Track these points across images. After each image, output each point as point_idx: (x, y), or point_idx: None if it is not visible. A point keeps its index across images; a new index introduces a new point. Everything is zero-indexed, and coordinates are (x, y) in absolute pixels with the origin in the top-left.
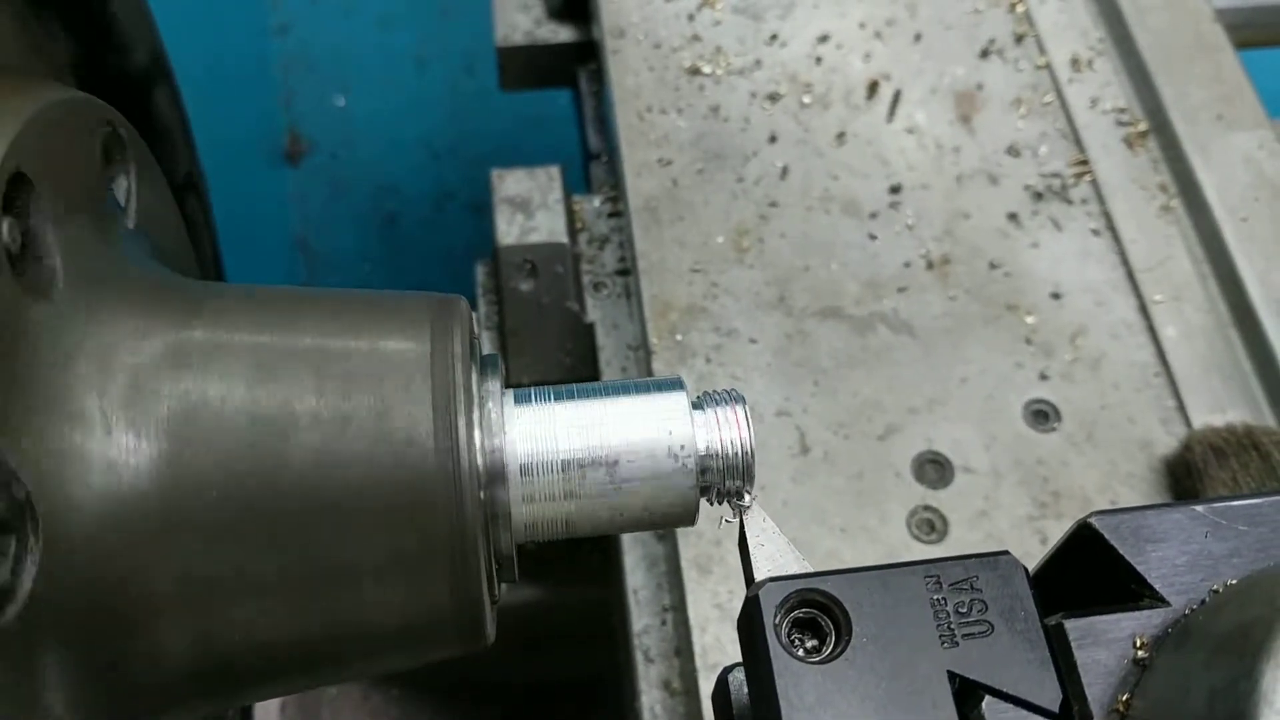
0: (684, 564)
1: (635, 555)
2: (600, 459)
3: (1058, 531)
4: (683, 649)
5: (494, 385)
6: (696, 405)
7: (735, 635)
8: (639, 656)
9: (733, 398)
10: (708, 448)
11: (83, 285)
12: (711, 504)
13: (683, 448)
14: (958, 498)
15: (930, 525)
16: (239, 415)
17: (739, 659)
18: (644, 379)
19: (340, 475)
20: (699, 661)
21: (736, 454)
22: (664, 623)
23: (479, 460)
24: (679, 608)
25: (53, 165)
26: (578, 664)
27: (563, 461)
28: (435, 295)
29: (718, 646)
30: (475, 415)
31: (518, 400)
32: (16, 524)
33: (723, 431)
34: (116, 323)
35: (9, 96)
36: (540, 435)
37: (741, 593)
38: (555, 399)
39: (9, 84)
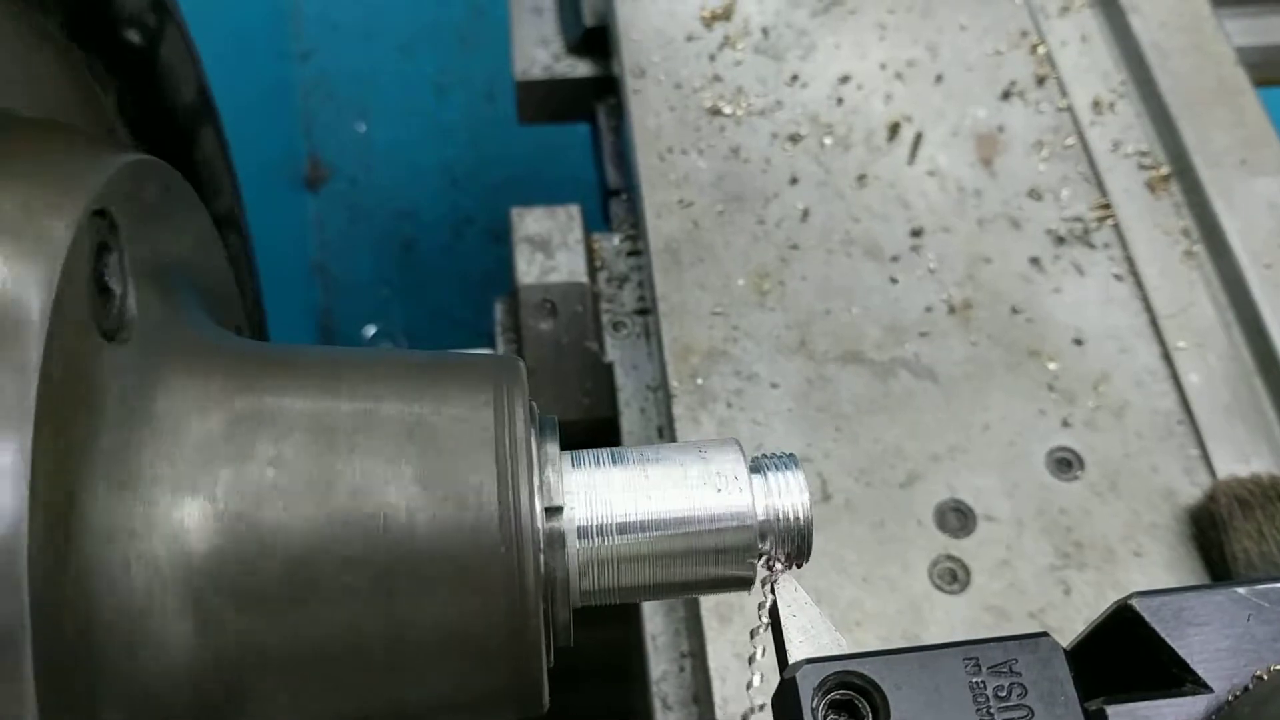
0: (704, 612)
1: (653, 601)
2: (657, 523)
3: (1080, 582)
4: (701, 697)
5: (552, 449)
6: (754, 468)
7: (759, 685)
8: (657, 703)
9: (789, 462)
10: (766, 512)
11: (151, 346)
12: (770, 569)
13: (742, 512)
14: (980, 547)
15: (952, 575)
16: (301, 483)
17: (755, 706)
18: (700, 440)
19: (403, 544)
20: (719, 712)
21: (794, 519)
22: (682, 669)
23: (539, 527)
24: (698, 654)
25: (127, 220)
26: (599, 705)
27: (619, 525)
28: (494, 357)
29: (738, 697)
30: (536, 482)
31: (574, 463)
32: None
33: (780, 497)
34: (183, 387)
35: (95, 152)
36: (598, 499)
37: (763, 644)
38: (612, 462)
39: (90, 142)
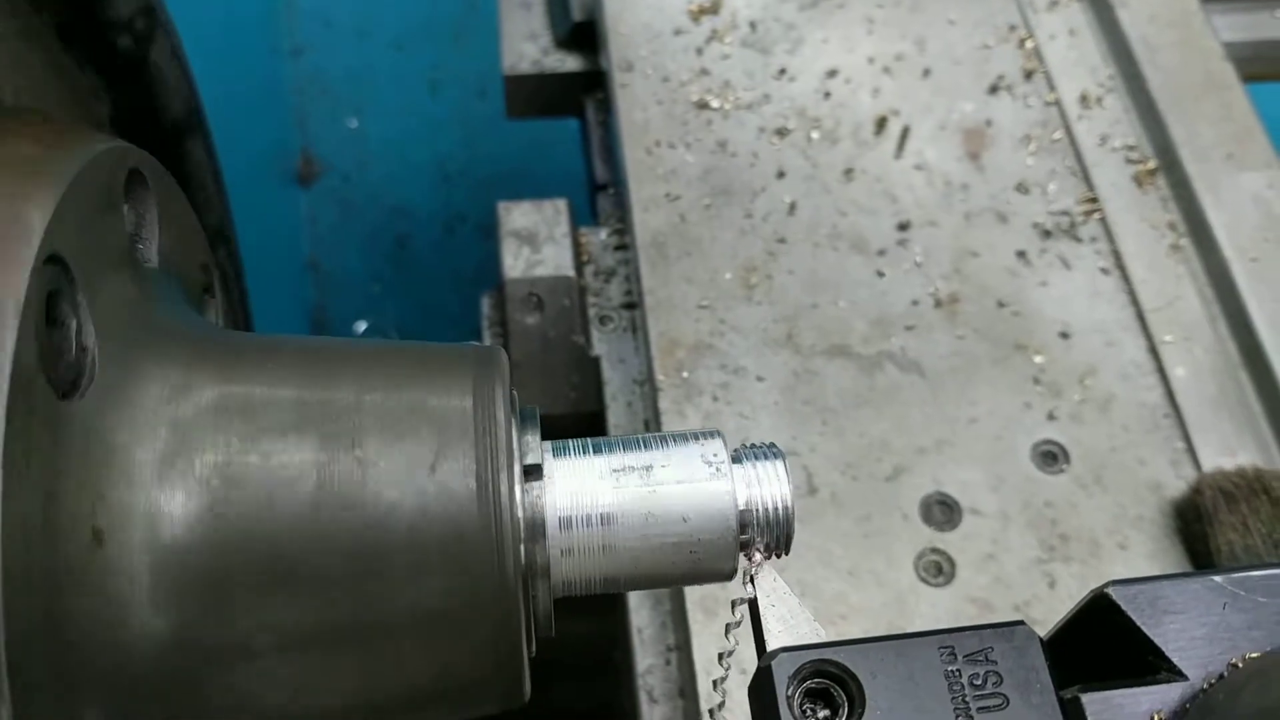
0: (689, 606)
1: (639, 593)
2: (638, 512)
3: (1066, 575)
4: (687, 690)
5: (533, 438)
6: (735, 459)
7: (740, 678)
8: (643, 696)
9: (771, 452)
10: (747, 502)
11: (122, 342)
12: (749, 559)
13: (722, 502)
14: (965, 540)
15: (938, 568)
16: (280, 470)
17: (743, 701)
18: (682, 430)
19: (383, 532)
20: (703, 705)
21: (775, 509)
22: (668, 662)
23: (520, 515)
24: (683, 648)
25: (88, 233)
26: (584, 697)
27: (601, 515)
28: (475, 347)
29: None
30: (516, 470)
31: (556, 453)
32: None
33: (762, 487)
34: (161, 376)
35: (67, 139)
36: (579, 489)
37: (747, 638)
38: (594, 451)
39: (62, 130)
